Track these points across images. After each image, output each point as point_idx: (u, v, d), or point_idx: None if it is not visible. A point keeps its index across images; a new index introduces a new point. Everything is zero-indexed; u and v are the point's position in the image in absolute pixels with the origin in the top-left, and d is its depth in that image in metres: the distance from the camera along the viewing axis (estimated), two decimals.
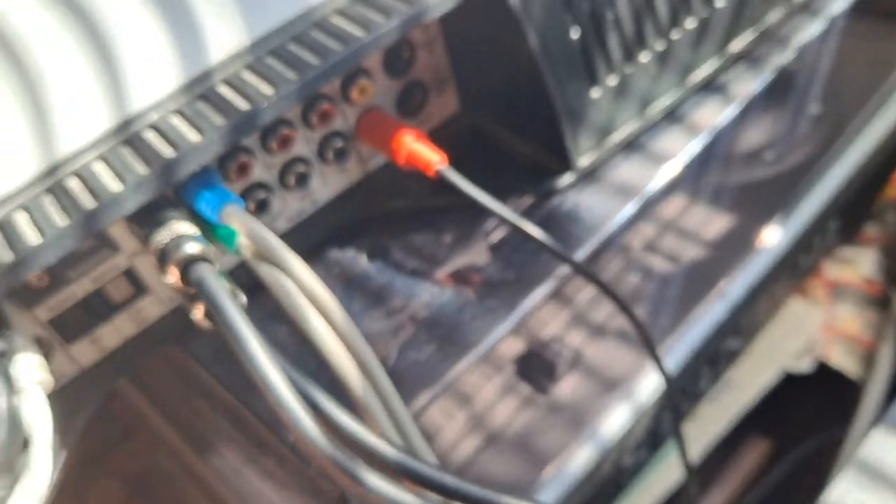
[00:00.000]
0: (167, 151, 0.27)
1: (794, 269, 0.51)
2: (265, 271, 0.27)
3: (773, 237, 0.46)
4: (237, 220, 0.28)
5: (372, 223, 0.39)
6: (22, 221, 0.26)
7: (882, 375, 0.54)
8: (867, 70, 0.53)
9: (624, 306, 0.33)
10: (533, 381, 0.42)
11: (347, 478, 0.24)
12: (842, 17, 0.44)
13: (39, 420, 0.26)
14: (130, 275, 0.32)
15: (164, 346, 0.35)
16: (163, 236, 0.27)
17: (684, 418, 0.47)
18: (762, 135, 0.49)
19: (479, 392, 0.42)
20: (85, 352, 0.33)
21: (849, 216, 0.56)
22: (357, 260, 0.38)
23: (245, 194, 0.34)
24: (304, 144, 0.35)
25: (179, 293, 0.28)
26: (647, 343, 0.33)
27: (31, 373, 0.27)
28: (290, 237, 0.31)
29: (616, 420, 0.39)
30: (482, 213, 0.41)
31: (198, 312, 0.27)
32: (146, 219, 0.28)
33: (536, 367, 0.42)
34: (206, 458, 0.44)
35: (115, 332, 0.33)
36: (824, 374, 0.56)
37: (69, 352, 0.32)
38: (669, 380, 0.34)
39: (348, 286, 0.37)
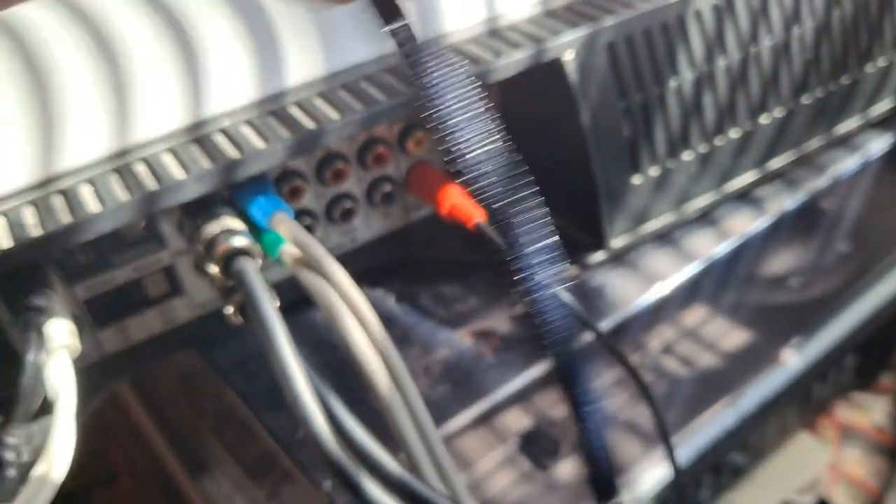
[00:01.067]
0: (232, 152, 0.29)
1: (807, 397, 0.51)
2: (308, 279, 0.28)
3: (790, 359, 0.46)
4: (286, 225, 0.29)
5: (405, 271, 0.40)
6: (86, 193, 0.28)
7: None
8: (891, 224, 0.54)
9: (642, 384, 0.33)
10: (534, 457, 0.42)
11: (346, 484, 0.24)
12: (878, 159, 0.46)
13: (65, 383, 0.27)
14: (170, 272, 0.34)
15: (185, 351, 0.36)
16: (213, 227, 0.28)
17: None
18: (788, 260, 0.50)
19: (480, 459, 0.42)
20: (111, 339, 0.34)
21: (866, 359, 0.57)
22: (385, 301, 0.39)
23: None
24: (355, 182, 0.37)
25: (217, 286, 0.29)
26: (661, 427, 0.34)
27: (63, 336, 0.28)
28: None
29: None
30: (510, 281, 0.43)
31: (231, 307, 0.28)
32: (200, 212, 0.29)
33: (540, 444, 0.42)
34: (197, 482, 0.44)
35: (143, 325, 0.34)
36: None
37: (96, 336, 0.33)
38: (678, 470, 0.34)
39: None
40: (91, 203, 0.27)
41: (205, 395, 0.36)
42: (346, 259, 0.38)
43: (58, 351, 0.27)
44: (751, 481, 0.54)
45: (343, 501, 0.29)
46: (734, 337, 0.47)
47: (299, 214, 0.36)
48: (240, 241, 0.28)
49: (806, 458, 0.56)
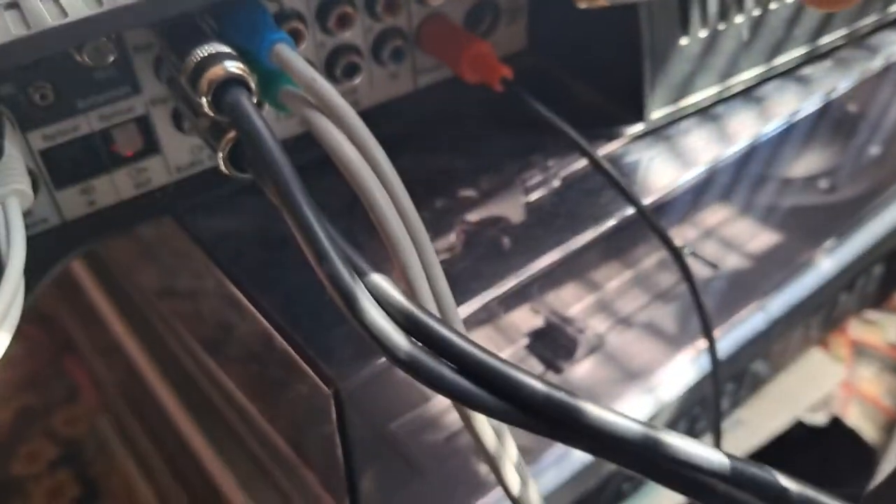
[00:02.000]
0: None
1: (832, 308, 0.47)
2: (313, 118, 0.23)
3: (821, 263, 0.43)
4: (287, 58, 0.24)
5: (412, 143, 0.35)
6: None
7: None
8: None
9: (683, 264, 0.29)
10: (547, 358, 0.38)
11: (345, 306, 0.19)
12: None
13: (14, 234, 0.22)
14: (144, 124, 0.29)
15: (159, 222, 0.31)
16: (201, 51, 0.23)
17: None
18: (823, 158, 0.47)
19: None
20: (72, 201, 0.29)
21: (890, 272, 0.54)
22: None
23: None
24: (361, 33, 0.32)
25: (202, 129, 0.24)
26: (701, 311, 0.30)
27: (13, 179, 0.23)
28: None
29: (633, 413, 0.36)
30: (527, 165, 0.38)
31: (222, 152, 0.23)
32: (183, 45, 0.24)
33: (554, 344, 0.38)
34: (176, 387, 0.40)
35: (111, 187, 0.29)
36: (836, 429, 0.53)
37: (54, 196, 0.28)
38: (715, 361, 0.31)
39: None
40: (49, 13, 0.22)
41: (182, 271, 0.31)
42: None
43: (6, 196, 0.22)
44: (762, 398, 0.51)
45: (348, 386, 0.24)
46: (764, 237, 0.44)
47: None
48: (233, 66, 0.23)
49: (819, 375, 0.54)
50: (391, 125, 0.35)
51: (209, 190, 0.31)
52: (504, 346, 0.39)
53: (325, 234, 0.20)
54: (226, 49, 0.23)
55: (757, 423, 0.50)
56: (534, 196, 0.38)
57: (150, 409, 0.42)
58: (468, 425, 0.24)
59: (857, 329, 0.57)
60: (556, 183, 0.38)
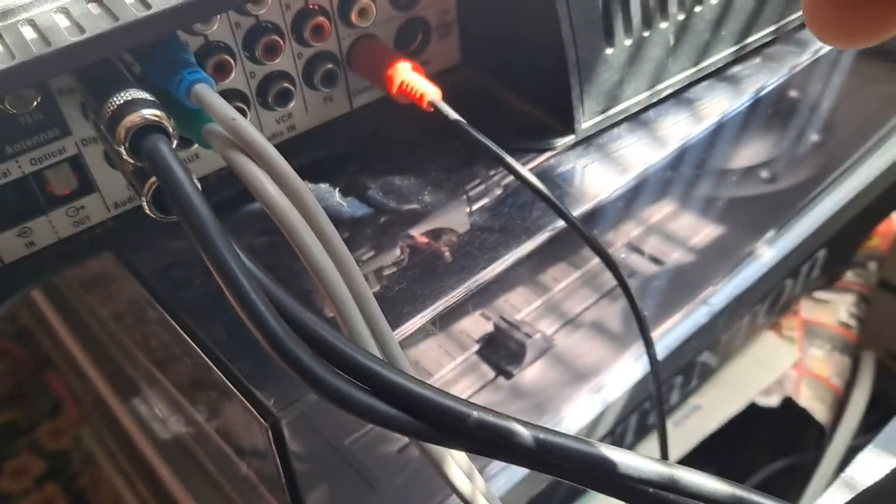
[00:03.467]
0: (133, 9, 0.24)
1: (778, 294, 0.49)
2: (233, 157, 0.23)
3: (763, 253, 0.44)
4: (206, 98, 0.24)
5: (350, 163, 0.36)
6: None
7: (853, 418, 0.53)
8: (872, 106, 0.52)
9: (616, 272, 0.30)
10: (497, 364, 0.39)
11: (268, 345, 0.20)
12: None
13: None
14: (76, 164, 0.29)
15: (100, 257, 0.31)
16: (118, 98, 0.23)
17: (645, 436, 0.44)
18: (762, 149, 0.47)
19: (439, 369, 0.39)
20: (9, 245, 0.29)
21: (831, 255, 0.55)
22: (328, 197, 0.34)
23: None
24: (290, 59, 0.32)
25: (126, 174, 0.24)
26: (638, 318, 0.31)
27: None
28: None
29: (582, 413, 0.37)
30: (467, 175, 0.39)
31: (145, 197, 0.24)
32: (105, 89, 0.25)
33: (504, 349, 0.39)
34: (130, 408, 0.40)
35: (48, 228, 0.29)
36: (788, 409, 0.54)
37: None
38: (655, 363, 0.32)
39: None
40: None
41: (128, 306, 0.32)
42: (284, 149, 0.34)
43: None
44: (717, 384, 0.52)
45: (288, 417, 0.25)
46: (706, 231, 0.45)
47: (226, 96, 0.31)
48: (150, 113, 0.23)
49: (772, 358, 0.55)
50: (329, 147, 0.36)
51: (148, 223, 0.31)
52: (456, 353, 0.40)
53: (244, 276, 0.20)
54: (142, 95, 0.24)
55: (712, 409, 0.51)
56: (477, 205, 0.39)
57: (117, 426, 0.43)
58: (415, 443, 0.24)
59: (808, 309, 0.59)
60: (497, 191, 0.39)
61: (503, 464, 0.36)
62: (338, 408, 0.20)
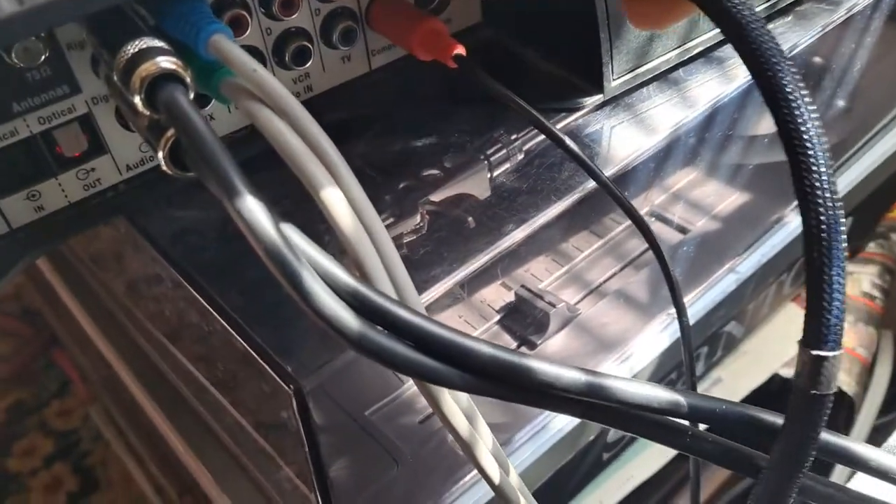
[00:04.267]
0: None
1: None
2: (255, 110, 0.22)
3: (790, 220, 0.43)
4: (225, 49, 0.23)
5: (370, 126, 0.34)
6: None
7: (877, 394, 0.51)
8: None
9: (649, 235, 0.29)
10: (520, 334, 0.38)
11: (293, 290, 0.19)
12: None
13: None
14: (87, 124, 0.28)
15: (113, 223, 0.30)
16: (132, 47, 0.22)
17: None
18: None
19: None
20: (17, 209, 0.28)
21: (858, 224, 0.54)
22: (349, 162, 0.33)
23: None
24: (308, 16, 0.31)
25: (142, 128, 0.23)
26: (671, 284, 0.29)
27: None
28: None
29: None
30: (489, 140, 0.37)
31: (162, 151, 0.23)
32: (118, 39, 0.23)
33: (527, 319, 0.38)
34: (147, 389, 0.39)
35: (58, 191, 0.28)
36: None
37: None
38: (687, 329, 0.31)
39: None
40: None
41: (140, 271, 0.30)
42: None
43: None
44: (738, 356, 0.51)
45: (313, 381, 0.24)
46: (733, 197, 0.43)
47: None
48: (166, 62, 0.22)
49: (794, 329, 0.53)
50: (348, 109, 0.34)
51: (162, 186, 0.30)
52: (477, 324, 0.39)
53: (271, 224, 0.19)
54: (158, 43, 0.22)
55: (735, 381, 0.50)
56: (498, 171, 0.38)
57: (129, 402, 0.42)
58: (439, 414, 0.23)
59: None
60: (519, 157, 0.38)
61: (524, 439, 0.35)
62: (384, 366, 0.19)
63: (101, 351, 0.42)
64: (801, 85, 0.18)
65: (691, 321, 0.39)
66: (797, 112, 0.18)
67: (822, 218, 0.18)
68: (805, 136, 0.17)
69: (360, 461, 0.32)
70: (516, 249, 0.38)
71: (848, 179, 0.46)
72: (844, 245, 0.17)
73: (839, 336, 0.18)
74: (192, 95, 0.22)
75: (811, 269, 0.18)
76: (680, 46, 0.34)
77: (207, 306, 0.26)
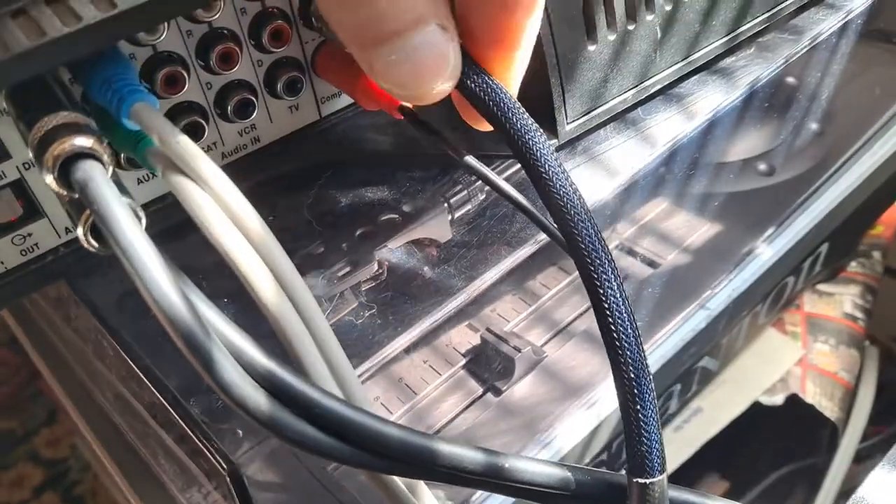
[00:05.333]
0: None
1: (780, 293, 0.47)
2: (174, 181, 0.21)
3: (763, 251, 0.42)
4: (145, 118, 0.22)
5: (321, 175, 0.34)
6: None
7: (861, 417, 0.51)
8: (873, 92, 0.49)
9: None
10: (485, 379, 0.37)
11: (203, 369, 0.18)
12: (859, 16, 0.40)
13: None
14: (20, 189, 0.27)
15: (53, 286, 0.29)
16: (46, 122, 0.21)
17: None
18: (757, 142, 0.45)
19: (424, 386, 0.37)
20: None
21: (836, 248, 0.53)
22: (298, 212, 0.32)
23: (173, 116, 0.29)
24: (250, 68, 0.30)
25: (64, 202, 0.22)
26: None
27: None
28: None
29: (576, 429, 0.35)
30: (448, 182, 0.37)
31: (81, 227, 0.22)
32: (34, 112, 0.22)
33: (492, 364, 0.37)
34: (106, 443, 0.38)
35: None
36: (794, 406, 0.52)
37: None
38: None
39: (283, 241, 0.32)
40: None
41: (83, 337, 0.30)
42: (250, 163, 0.32)
43: None
44: (718, 385, 0.50)
45: (251, 466, 0.23)
46: (702, 230, 0.42)
47: (181, 110, 0.29)
48: (81, 140, 0.21)
49: (774, 355, 0.53)
50: (299, 158, 0.34)
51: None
52: (442, 369, 0.38)
53: (181, 301, 0.18)
54: (74, 118, 0.21)
55: (714, 411, 0.49)
56: (459, 213, 0.37)
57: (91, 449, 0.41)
58: (380, 488, 0.23)
59: (811, 303, 0.57)
60: (481, 196, 0.37)
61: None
62: (299, 449, 0.19)
63: (61, 402, 0.41)
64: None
65: (661, 360, 0.38)
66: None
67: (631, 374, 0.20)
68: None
69: None
70: (483, 290, 0.37)
71: (823, 204, 0.45)
72: (652, 387, 0.20)
73: (660, 461, 0.20)
74: (110, 172, 0.21)
75: (625, 413, 0.20)
76: (637, 86, 0.33)
77: (143, 377, 0.25)
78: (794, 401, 0.52)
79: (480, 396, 0.37)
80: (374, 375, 0.36)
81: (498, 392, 0.36)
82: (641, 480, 0.20)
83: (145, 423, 0.30)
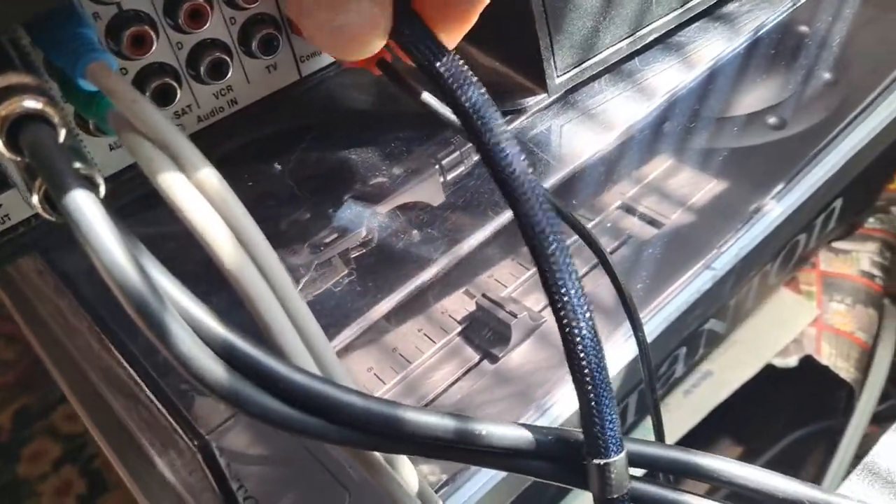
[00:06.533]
0: None
1: (791, 251, 0.45)
2: (134, 146, 0.20)
3: (772, 209, 0.40)
4: (101, 79, 0.21)
5: (303, 137, 0.32)
6: None
7: (879, 377, 0.49)
8: (890, 38, 0.47)
9: (598, 249, 0.27)
10: (482, 346, 0.36)
11: (157, 337, 0.17)
12: None
13: None
14: None
15: (26, 259, 0.28)
16: None
17: (647, 415, 0.41)
18: (765, 93, 0.43)
19: (418, 355, 0.36)
20: None
21: (851, 204, 0.51)
22: (280, 178, 0.31)
23: (143, 78, 0.28)
24: (222, 26, 0.29)
25: (20, 171, 0.21)
26: (622, 295, 0.27)
27: None
28: (198, 140, 0.25)
29: (571, 398, 0.33)
30: (440, 143, 0.35)
31: (36, 195, 0.21)
32: None
33: (488, 330, 0.36)
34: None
35: None
36: (809, 368, 0.51)
37: None
38: (643, 343, 0.28)
39: (264, 207, 0.31)
40: None
41: (58, 309, 0.29)
42: (225, 126, 0.31)
43: None
44: (728, 347, 0.49)
45: (229, 436, 0.22)
46: (708, 187, 0.41)
47: (152, 72, 0.28)
48: (30, 102, 0.20)
49: (788, 316, 0.51)
50: (279, 121, 0.32)
51: None
52: (437, 337, 0.37)
53: (134, 269, 0.17)
54: (24, 79, 0.20)
55: (725, 373, 0.48)
56: (452, 175, 0.36)
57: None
58: (358, 461, 0.22)
59: (827, 261, 0.55)
60: (474, 158, 0.36)
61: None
62: (258, 421, 0.18)
63: (52, 373, 0.40)
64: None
65: (664, 323, 0.37)
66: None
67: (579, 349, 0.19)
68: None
69: (307, 492, 0.30)
70: (479, 253, 0.36)
71: (836, 158, 0.43)
72: (604, 363, 0.19)
73: (616, 442, 0.19)
74: (62, 135, 0.20)
75: (579, 391, 0.19)
76: (632, 34, 0.32)
77: (117, 353, 0.24)
78: (808, 362, 0.51)
79: (476, 364, 0.36)
80: (367, 345, 0.35)
81: (494, 359, 0.35)
82: (599, 462, 0.19)
83: (127, 397, 0.29)
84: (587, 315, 0.19)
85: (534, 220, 0.20)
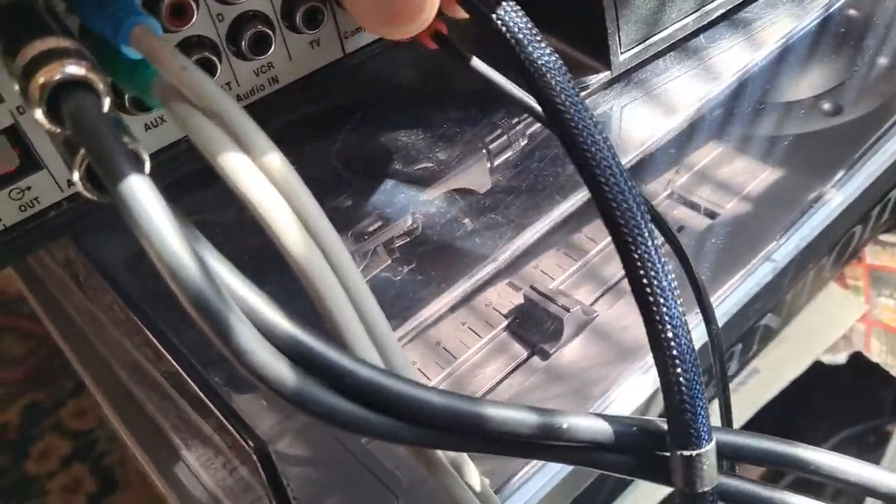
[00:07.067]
0: None
1: (847, 243, 0.43)
2: (185, 117, 0.18)
3: (831, 197, 0.38)
4: (148, 44, 0.19)
5: (348, 117, 0.30)
6: None
7: None
8: None
9: (670, 234, 0.25)
10: (532, 342, 0.34)
11: (217, 337, 0.15)
12: None
13: None
14: (15, 136, 0.24)
15: (59, 245, 0.26)
16: (32, 48, 0.18)
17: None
18: (826, 77, 0.41)
19: (464, 350, 0.34)
20: None
21: None
22: (324, 161, 0.29)
23: (181, 51, 0.26)
24: None
25: (57, 142, 0.19)
26: (694, 284, 0.25)
27: None
28: None
29: (633, 395, 0.32)
30: (486, 125, 0.33)
31: (77, 171, 0.19)
32: (19, 40, 0.19)
33: (538, 325, 0.34)
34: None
35: None
36: (858, 365, 0.49)
37: None
38: (716, 336, 0.27)
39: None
40: None
41: (93, 297, 0.27)
42: (265, 105, 0.29)
43: None
44: (776, 344, 0.47)
45: (281, 440, 0.20)
46: (764, 175, 0.39)
47: (190, 45, 0.26)
48: (72, 68, 0.18)
49: (836, 311, 0.49)
50: (322, 100, 0.30)
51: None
52: (483, 331, 0.35)
53: (193, 261, 0.15)
54: (65, 43, 0.18)
55: (772, 371, 0.46)
56: (499, 160, 0.34)
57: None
58: (421, 462, 0.20)
59: (874, 254, 0.53)
60: (522, 142, 0.34)
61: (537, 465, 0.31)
62: (330, 426, 0.16)
63: (77, 370, 0.39)
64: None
65: (723, 319, 0.35)
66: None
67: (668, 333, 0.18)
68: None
69: (356, 499, 0.29)
70: (525, 246, 0.34)
71: (894, 146, 0.41)
72: (692, 346, 0.18)
73: (707, 430, 0.18)
74: (106, 104, 0.18)
75: (663, 377, 0.18)
76: (698, 10, 0.30)
77: (160, 346, 0.22)
78: (857, 359, 0.49)
79: (526, 360, 0.34)
80: (411, 340, 0.33)
81: (546, 355, 0.33)
82: (686, 453, 0.18)
83: (164, 395, 0.27)
84: (675, 293, 0.18)
85: (615, 189, 0.18)
